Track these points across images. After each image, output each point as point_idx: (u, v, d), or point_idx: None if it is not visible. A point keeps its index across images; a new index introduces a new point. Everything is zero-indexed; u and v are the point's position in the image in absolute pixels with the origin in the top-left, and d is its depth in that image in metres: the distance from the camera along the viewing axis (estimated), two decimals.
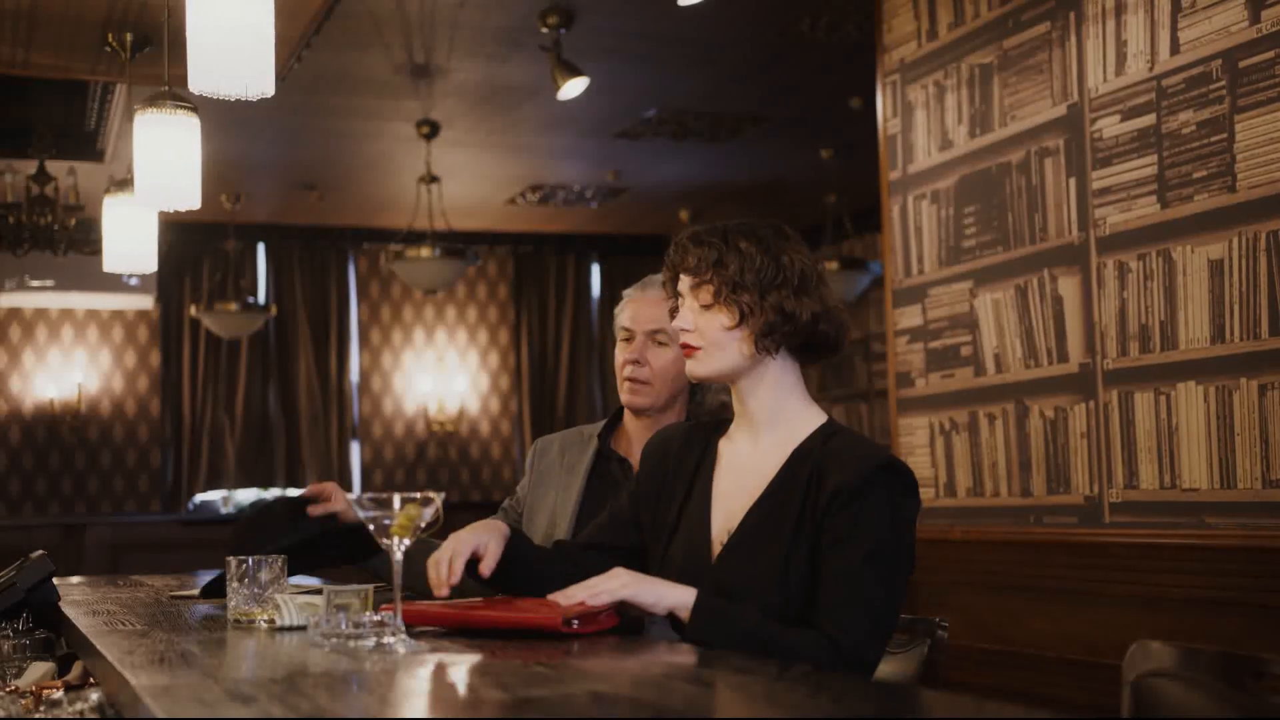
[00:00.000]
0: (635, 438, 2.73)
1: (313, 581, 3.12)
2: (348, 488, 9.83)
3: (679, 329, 2.07)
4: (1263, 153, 3.19)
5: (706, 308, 2.04)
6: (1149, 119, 3.50)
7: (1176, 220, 3.42)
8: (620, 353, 2.65)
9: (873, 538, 1.89)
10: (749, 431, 2.09)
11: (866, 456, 1.95)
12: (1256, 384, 3.20)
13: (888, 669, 2.08)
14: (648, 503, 2.15)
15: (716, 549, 2.02)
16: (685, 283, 2.07)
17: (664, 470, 2.15)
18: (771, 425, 2.06)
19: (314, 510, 2.73)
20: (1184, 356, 3.40)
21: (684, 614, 1.87)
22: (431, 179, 7.54)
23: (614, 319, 2.70)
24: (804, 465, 2.01)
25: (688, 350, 2.06)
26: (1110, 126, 3.63)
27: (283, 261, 10.01)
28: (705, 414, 2.66)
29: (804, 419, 2.05)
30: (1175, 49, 3.43)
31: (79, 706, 1.90)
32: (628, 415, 2.74)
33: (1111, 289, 3.62)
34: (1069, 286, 3.76)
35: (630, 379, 2.62)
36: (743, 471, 2.08)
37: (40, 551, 2.75)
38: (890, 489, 1.93)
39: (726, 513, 2.05)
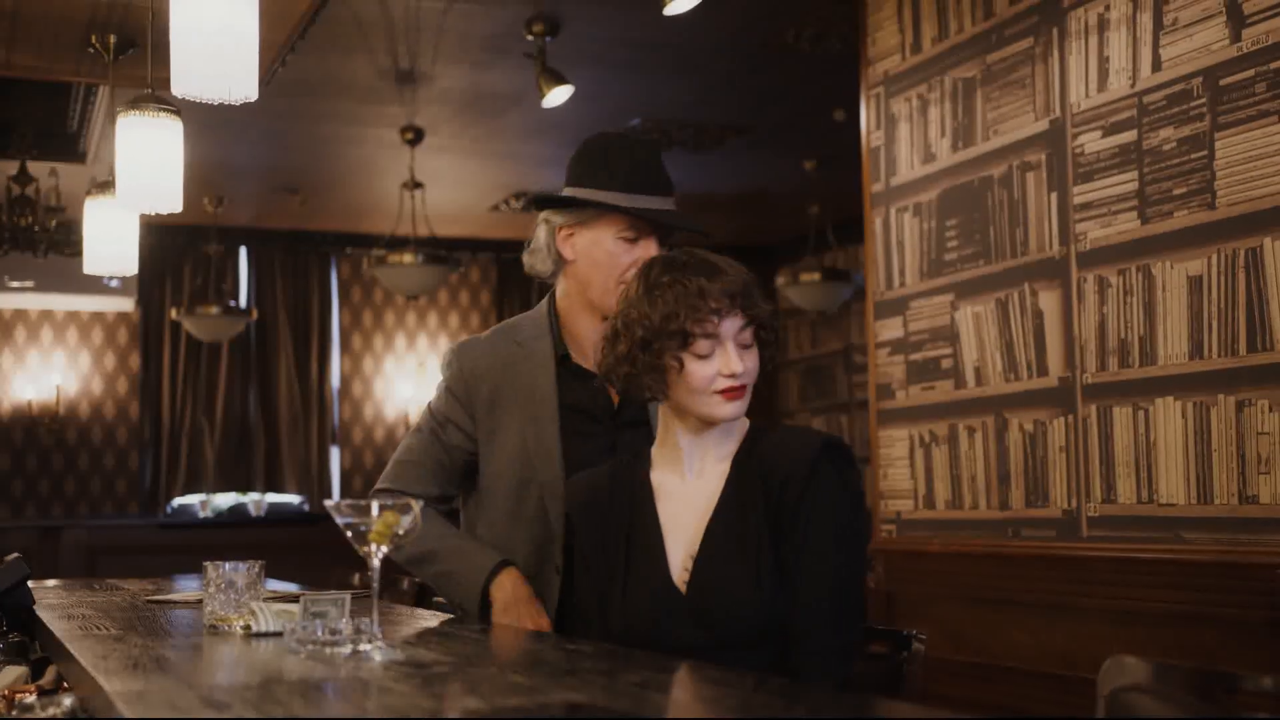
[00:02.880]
0: (588, 339, 2.40)
1: (290, 588, 3.11)
2: (327, 493, 9.80)
3: (737, 372, 1.98)
4: (1242, 170, 3.21)
5: (746, 348, 2.02)
6: (1130, 135, 3.52)
7: (1156, 236, 3.43)
8: (625, 253, 2.35)
9: (835, 522, 1.95)
10: (690, 457, 2.07)
11: (806, 444, 1.99)
12: (1234, 400, 3.22)
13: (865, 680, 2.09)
14: (593, 554, 2.11)
15: (680, 576, 2.01)
16: (733, 324, 1.99)
17: (601, 517, 2.11)
18: (713, 445, 2.07)
19: None
20: (1162, 372, 3.42)
21: None
22: (415, 185, 7.53)
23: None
24: (747, 469, 2.02)
25: (738, 393, 2.00)
26: (1092, 142, 3.64)
27: (264, 265, 9.99)
28: None
29: (731, 429, 2.08)
30: (1157, 66, 3.45)
31: (52, 711, 1.89)
32: (572, 311, 2.44)
33: (1091, 304, 3.63)
34: (1049, 300, 3.78)
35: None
36: (687, 496, 2.06)
37: (15, 554, 2.74)
38: (837, 467, 1.98)
39: (683, 540, 2.04)
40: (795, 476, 1.96)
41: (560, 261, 2.45)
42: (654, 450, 2.13)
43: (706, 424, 2.05)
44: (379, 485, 2.50)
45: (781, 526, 1.96)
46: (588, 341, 2.40)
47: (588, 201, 2.37)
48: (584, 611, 2.16)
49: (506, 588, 2.33)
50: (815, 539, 1.95)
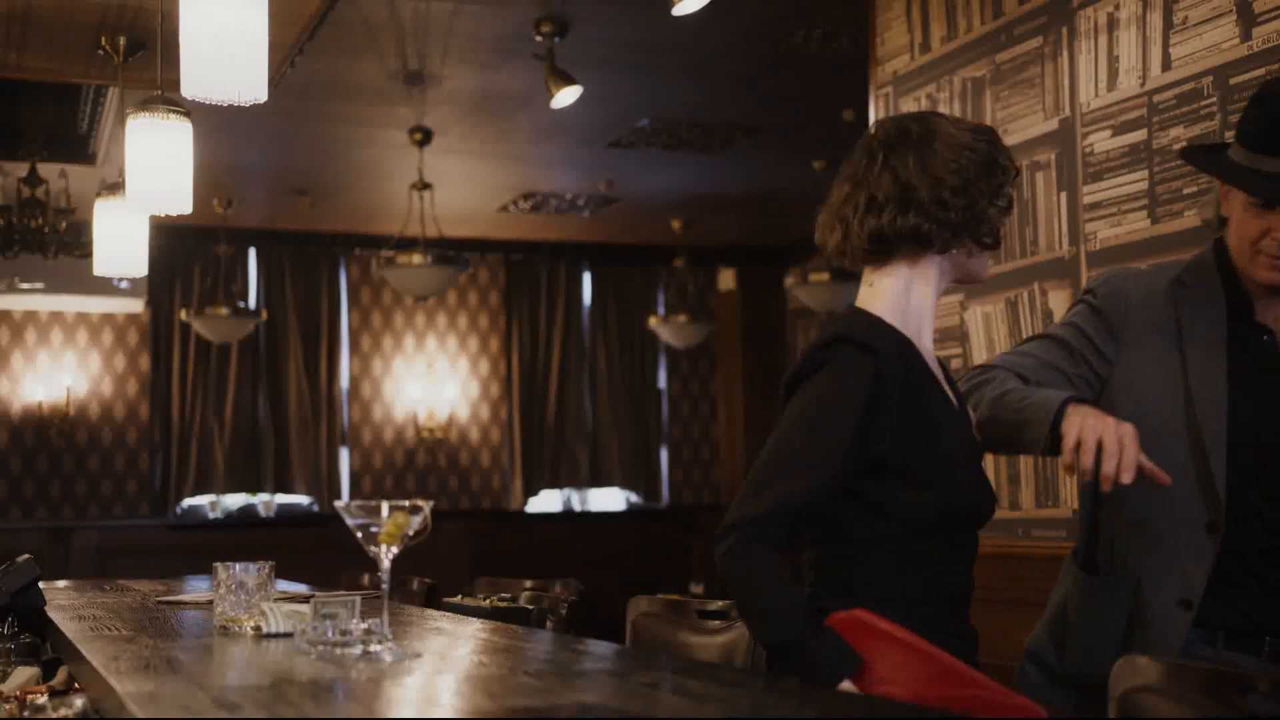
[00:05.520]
0: (1251, 293, 2.17)
1: (301, 589, 3.12)
2: (336, 494, 9.81)
3: None
4: None
5: None
6: (1140, 134, 3.51)
7: (1166, 235, 3.42)
8: (1253, 219, 2.11)
9: None
10: (927, 327, 2.11)
11: None
12: None
13: None
14: (903, 420, 1.97)
15: None
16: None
17: (908, 378, 2.00)
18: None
19: None
20: None
21: None
22: (424, 186, 7.53)
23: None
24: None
25: None
26: (1101, 141, 3.64)
27: (274, 267, 10.00)
28: None
29: None
30: (1167, 65, 3.44)
31: (63, 712, 1.89)
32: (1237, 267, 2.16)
33: None
34: (1059, 300, 3.77)
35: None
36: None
37: (26, 555, 2.74)
38: None
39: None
40: None
41: (1221, 216, 2.24)
42: (888, 317, 2.05)
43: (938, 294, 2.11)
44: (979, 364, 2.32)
45: None
46: (1252, 295, 2.19)
47: (1203, 161, 2.25)
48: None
49: (1087, 409, 2.00)
50: None
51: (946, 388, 2.08)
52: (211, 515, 9.72)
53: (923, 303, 2.08)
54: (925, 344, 2.08)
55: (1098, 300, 2.26)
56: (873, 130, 2.13)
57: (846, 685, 1.75)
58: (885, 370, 1.94)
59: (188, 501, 9.63)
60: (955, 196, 2.02)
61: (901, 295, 2.07)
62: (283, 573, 2.67)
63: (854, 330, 1.99)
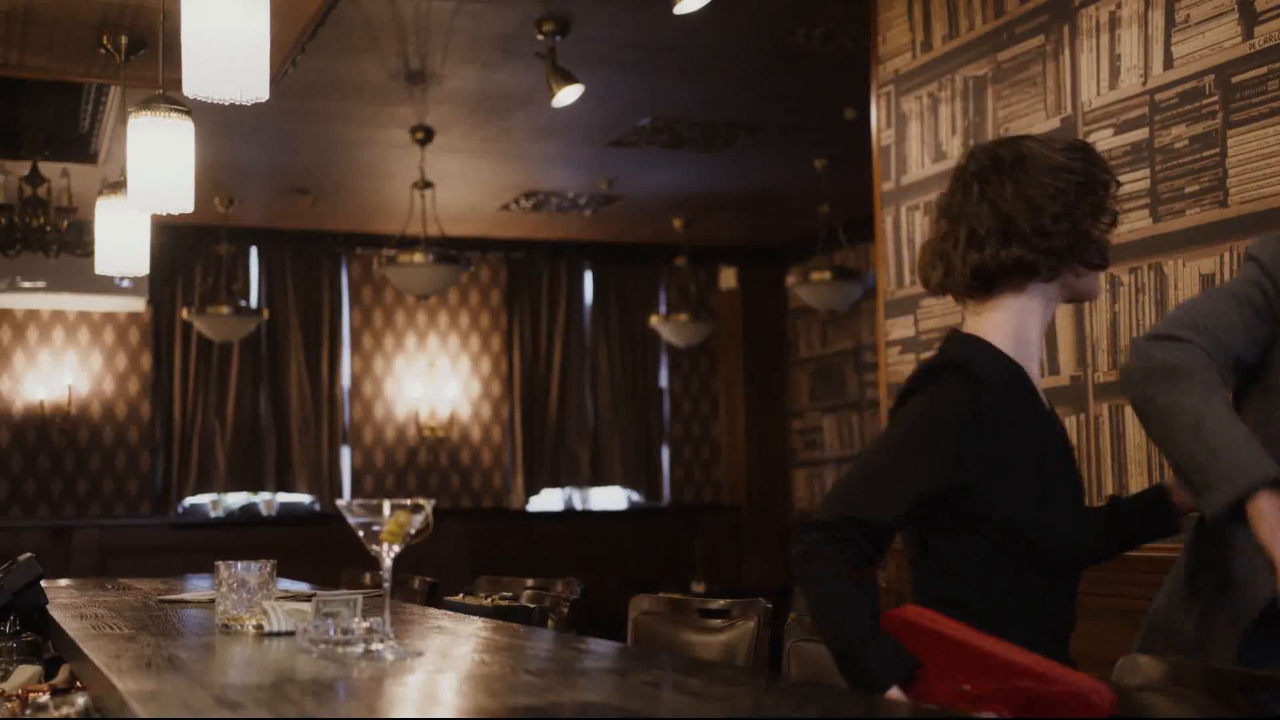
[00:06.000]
0: None
1: (302, 587, 3.12)
2: (337, 493, 9.81)
3: None
4: (1254, 168, 3.20)
5: None
6: (1142, 133, 3.51)
7: (1168, 234, 3.43)
8: None
9: None
10: (1036, 355, 2.11)
11: None
12: None
13: None
14: (1008, 452, 1.96)
15: None
16: None
17: (1021, 411, 1.99)
18: None
19: None
20: None
21: None
22: (425, 185, 7.53)
23: None
24: None
25: None
26: (1103, 140, 3.64)
27: (275, 266, 10.00)
28: None
29: None
30: (1169, 64, 3.44)
31: (65, 711, 1.90)
32: None
33: (1103, 302, 3.62)
34: None
35: None
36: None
37: (28, 554, 2.75)
38: None
39: None
40: None
41: None
42: (1000, 346, 2.02)
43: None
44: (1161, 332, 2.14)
45: None
46: None
47: None
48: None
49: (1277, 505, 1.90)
50: None
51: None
52: (213, 514, 9.73)
53: (1032, 331, 2.04)
54: (1034, 373, 2.04)
55: (1266, 264, 2.20)
56: (963, 160, 2.07)
57: (894, 692, 1.72)
58: (987, 404, 1.92)
59: (189, 500, 9.63)
60: (1057, 223, 1.98)
61: (1011, 326, 2.03)
62: (284, 571, 2.68)
63: (964, 358, 1.98)
